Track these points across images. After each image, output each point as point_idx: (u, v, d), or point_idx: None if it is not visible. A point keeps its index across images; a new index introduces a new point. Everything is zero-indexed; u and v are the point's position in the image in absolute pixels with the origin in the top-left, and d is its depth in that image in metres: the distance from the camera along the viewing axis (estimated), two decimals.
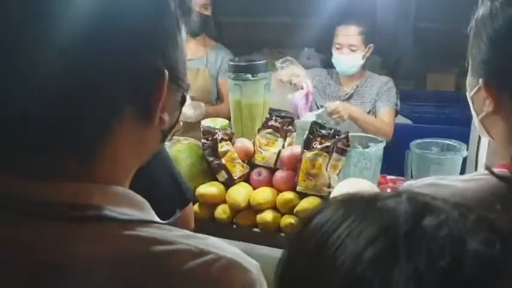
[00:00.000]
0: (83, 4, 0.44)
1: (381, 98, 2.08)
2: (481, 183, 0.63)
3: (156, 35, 0.48)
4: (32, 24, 0.43)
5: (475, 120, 0.72)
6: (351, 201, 0.41)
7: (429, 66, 3.71)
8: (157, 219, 0.51)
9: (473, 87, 0.69)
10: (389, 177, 1.68)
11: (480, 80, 0.66)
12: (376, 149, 1.50)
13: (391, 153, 1.96)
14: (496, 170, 0.63)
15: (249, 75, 1.51)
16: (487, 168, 0.63)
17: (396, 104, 2.10)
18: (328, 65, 2.32)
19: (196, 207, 1.30)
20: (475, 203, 0.61)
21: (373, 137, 1.58)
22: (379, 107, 2.08)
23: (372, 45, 2.07)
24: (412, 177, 1.51)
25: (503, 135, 0.68)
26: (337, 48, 2.04)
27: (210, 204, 1.30)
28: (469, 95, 0.71)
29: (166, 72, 0.48)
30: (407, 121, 2.77)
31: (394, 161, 1.87)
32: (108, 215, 0.46)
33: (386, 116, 2.05)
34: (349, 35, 2.01)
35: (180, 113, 0.56)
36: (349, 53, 2.02)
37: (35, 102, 0.44)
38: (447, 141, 1.52)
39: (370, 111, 2.10)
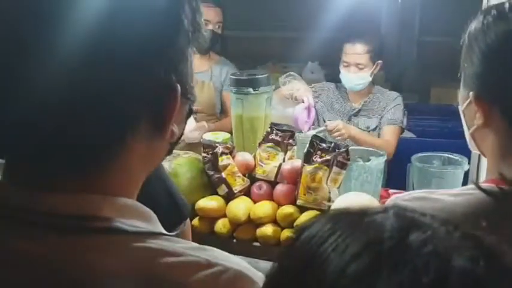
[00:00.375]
0: (95, 16, 0.45)
1: (386, 115, 2.08)
2: (469, 198, 0.63)
3: (169, 51, 0.49)
4: (39, 30, 0.44)
5: (466, 134, 0.72)
6: (339, 216, 0.41)
7: (433, 80, 3.72)
8: (164, 231, 0.52)
9: (464, 100, 0.69)
10: (391, 190, 1.67)
11: (471, 93, 0.67)
12: (377, 163, 1.49)
13: (394, 166, 1.96)
14: (484, 185, 0.63)
15: (251, 89, 1.52)
16: (475, 183, 0.63)
17: (402, 122, 2.08)
18: (333, 79, 2.33)
19: (196, 221, 1.30)
20: (462, 218, 0.61)
21: (375, 151, 1.58)
22: (383, 123, 2.07)
23: (380, 62, 2.08)
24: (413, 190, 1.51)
25: (492, 150, 0.68)
26: (345, 66, 2.05)
27: (210, 218, 1.30)
28: (460, 108, 0.71)
29: (179, 86, 0.50)
30: (411, 135, 2.77)
31: (396, 175, 1.86)
32: (119, 226, 0.47)
33: (389, 134, 2.04)
34: (356, 53, 2.02)
35: (185, 124, 0.57)
36: (357, 71, 2.03)
37: (43, 112, 0.45)
38: (448, 155, 1.52)
39: (376, 126, 2.10)
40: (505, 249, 0.35)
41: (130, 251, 0.46)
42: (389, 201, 0.71)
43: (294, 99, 1.78)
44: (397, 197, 0.70)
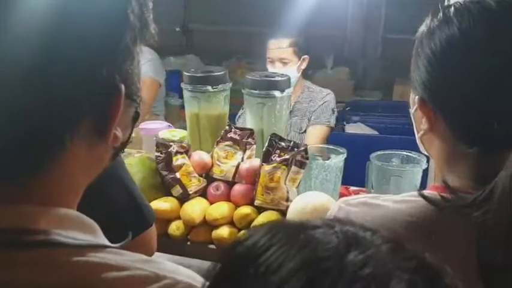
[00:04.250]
0: (37, 12, 0.41)
1: (314, 113, 2.05)
2: (412, 205, 0.62)
3: (113, 49, 0.46)
4: None
5: (416, 137, 0.70)
6: (277, 228, 0.38)
7: (396, 77, 3.76)
8: (108, 243, 0.48)
9: (413, 103, 0.67)
10: (351, 188, 1.67)
11: (416, 97, 0.65)
12: (337, 161, 1.48)
13: (354, 163, 1.95)
14: (427, 192, 0.61)
15: (209, 87, 1.46)
16: (418, 190, 0.61)
17: (328, 121, 2.05)
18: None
19: None
20: (404, 225, 0.59)
21: (334, 148, 1.56)
22: (310, 123, 2.04)
23: (306, 56, 2.04)
24: (372, 188, 1.50)
25: (438, 156, 0.67)
26: (270, 62, 2.01)
27: (164, 220, 1.24)
28: (411, 111, 0.69)
29: (122, 87, 0.46)
30: (373, 131, 2.79)
31: (356, 171, 1.86)
32: (57, 239, 0.43)
33: (313, 133, 2.01)
34: (278, 48, 1.99)
35: (132, 128, 0.54)
36: (281, 67, 1.99)
37: None
38: (407, 153, 1.51)
39: (306, 128, 2.06)
40: (446, 270, 0.32)
41: (71, 266, 0.43)
42: (335, 205, 0.69)
43: None
44: (344, 201, 0.69)
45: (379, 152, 1.55)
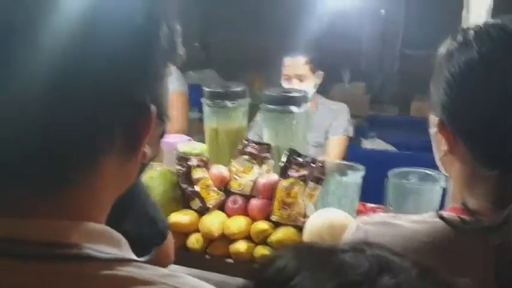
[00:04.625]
0: (68, 33, 0.43)
1: (331, 126, 2.08)
2: (430, 226, 0.62)
3: (144, 70, 0.48)
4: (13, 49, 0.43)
5: (436, 158, 0.70)
6: (306, 252, 0.39)
7: (413, 93, 3.75)
8: (134, 257, 0.50)
9: (433, 125, 0.68)
10: (369, 205, 1.66)
11: (435, 119, 0.65)
12: (355, 177, 1.48)
13: (372, 179, 1.95)
14: (445, 213, 0.62)
15: (228, 102, 1.48)
16: (436, 211, 0.62)
17: (347, 131, 2.09)
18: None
19: None
20: (421, 246, 0.60)
21: (352, 165, 1.57)
22: (328, 135, 2.07)
23: (321, 72, 2.08)
24: (391, 206, 1.50)
25: (458, 177, 0.67)
26: (286, 79, 2.04)
27: (183, 233, 1.26)
28: (430, 131, 0.69)
29: (154, 108, 0.48)
30: (391, 147, 2.78)
31: (374, 187, 1.85)
32: (88, 253, 0.45)
33: (335, 145, 2.05)
34: (295, 65, 2.02)
35: (159, 145, 0.56)
36: (298, 83, 2.02)
37: (10, 132, 0.43)
38: (426, 171, 1.51)
39: (324, 142, 2.09)
40: None
41: (100, 279, 0.44)
42: (353, 224, 0.70)
43: None
44: (362, 220, 0.69)
45: (397, 170, 1.55)
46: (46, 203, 0.46)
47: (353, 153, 2.22)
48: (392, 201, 1.47)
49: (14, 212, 0.45)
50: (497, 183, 0.61)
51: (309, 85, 2.02)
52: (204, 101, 1.50)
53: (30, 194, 0.45)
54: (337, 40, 3.67)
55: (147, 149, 0.51)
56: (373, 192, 1.81)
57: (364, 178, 1.55)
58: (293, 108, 1.47)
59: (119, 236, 0.50)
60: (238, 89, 1.49)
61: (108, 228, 0.50)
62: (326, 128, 2.09)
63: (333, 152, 2.01)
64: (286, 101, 1.48)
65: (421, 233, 0.62)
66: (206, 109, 1.51)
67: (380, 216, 0.71)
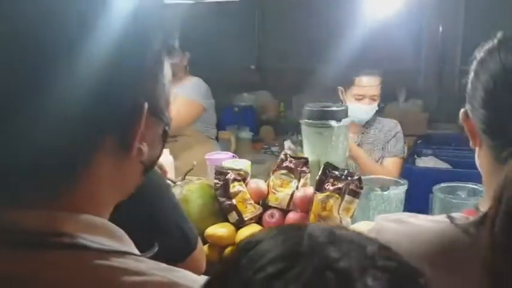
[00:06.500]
0: (58, 35, 0.46)
1: (386, 146, 2.05)
2: (439, 225, 0.61)
3: (136, 72, 0.50)
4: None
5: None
6: (280, 227, 0.40)
7: None
8: (136, 251, 0.52)
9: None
10: None
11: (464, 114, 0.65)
12: (397, 192, 1.44)
13: (417, 196, 1.89)
14: (456, 214, 0.60)
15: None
16: (447, 213, 0.60)
17: (403, 152, 2.06)
18: None
19: (205, 248, 1.30)
20: (428, 244, 0.59)
21: (395, 180, 1.53)
22: (384, 155, 2.05)
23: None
24: None
25: (482, 173, 0.65)
26: (358, 99, 2.01)
27: (220, 245, 1.29)
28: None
29: (145, 104, 0.50)
30: (446, 165, 2.66)
31: (423, 205, 1.79)
32: (82, 243, 0.47)
33: (391, 166, 2.02)
34: (370, 85, 2.00)
35: (162, 146, 0.57)
36: (371, 103, 2.01)
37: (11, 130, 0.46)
38: (473, 186, 1.44)
39: (379, 159, 2.06)
40: (424, 274, 0.33)
41: (93, 269, 0.46)
42: (376, 219, 0.71)
43: None
44: (382, 216, 0.71)
45: (443, 184, 1.49)
46: (45, 196, 0.48)
47: (405, 172, 2.16)
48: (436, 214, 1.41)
49: (12, 205, 0.46)
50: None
51: (376, 104, 2.02)
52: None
53: (29, 188, 0.47)
54: (393, 60, 3.62)
55: (144, 147, 0.52)
56: (420, 209, 1.75)
57: (411, 195, 1.51)
58: (332, 123, 1.48)
59: (118, 229, 0.52)
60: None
61: (106, 221, 0.51)
62: (380, 145, 2.06)
63: (391, 173, 1.97)
64: (326, 115, 1.49)
65: (430, 231, 0.62)
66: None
67: (400, 214, 0.72)
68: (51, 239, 0.46)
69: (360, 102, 2.01)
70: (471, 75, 0.65)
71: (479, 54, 0.65)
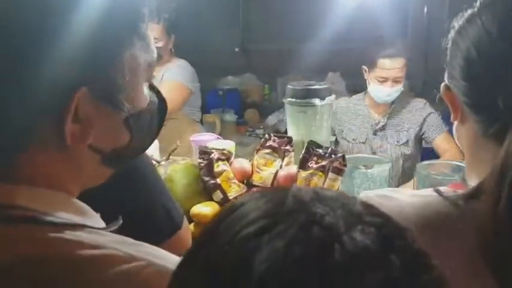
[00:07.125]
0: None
1: (428, 128, 2.01)
2: (424, 200, 0.60)
3: (74, 56, 0.48)
4: None
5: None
6: (264, 191, 0.39)
7: None
8: (99, 225, 0.50)
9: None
10: None
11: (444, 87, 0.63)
12: (381, 170, 1.45)
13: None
14: (444, 188, 0.60)
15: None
16: (434, 188, 0.60)
17: (445, 125, 2.00)
18: (354, 89, 2.20)
19: (191, 226, 1.29)
20: (414, 218, 0.58)
21: (379, 158, 1.54)
22: (430, 138, 2.00)
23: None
24: None
25: (464, 148, 0.64)
26: (381, 81, 1.95)
27: (205, 223, 1.29)
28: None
29: (82, 89, 0.48)
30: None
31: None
32: (35, 215, 0.46)
33: (445, 143, 1.97)
34: (395, 68, 1.93)
35: (130, 136, 0.54)
36: (394, 85, 1.96)
37: None
38: (458, 163, 1.45)
39: (407, 140, 2.02)
40: (411, 233, 0.33)
41: (45, 242, 0.45)
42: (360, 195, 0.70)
43: None
44: (365, 192, 0.70)
45: (425, 162, 1.51)
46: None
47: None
48: None
49: None
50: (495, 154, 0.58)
51: (401, 86, 1.98)
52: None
53: None
54: (380, 41, 3.62)
55: (82, 133, 0.49)
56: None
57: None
58: (316, 101, 1.47)
59: (84, 205, 0.50)
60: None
61: (69, 196, 0.50)
62: (408, 126, 2.02)
63: (450, 151, 1.92)
64: (310, 94, 1.48)
65: (415, 206, 0.61)
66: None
67: (383, 190, 0.71)
68: (3, 211, 0.45)
69: (382, 84, 1.96)
70: (449, 45, 0.62)
71: (457, 23, 0.62)
